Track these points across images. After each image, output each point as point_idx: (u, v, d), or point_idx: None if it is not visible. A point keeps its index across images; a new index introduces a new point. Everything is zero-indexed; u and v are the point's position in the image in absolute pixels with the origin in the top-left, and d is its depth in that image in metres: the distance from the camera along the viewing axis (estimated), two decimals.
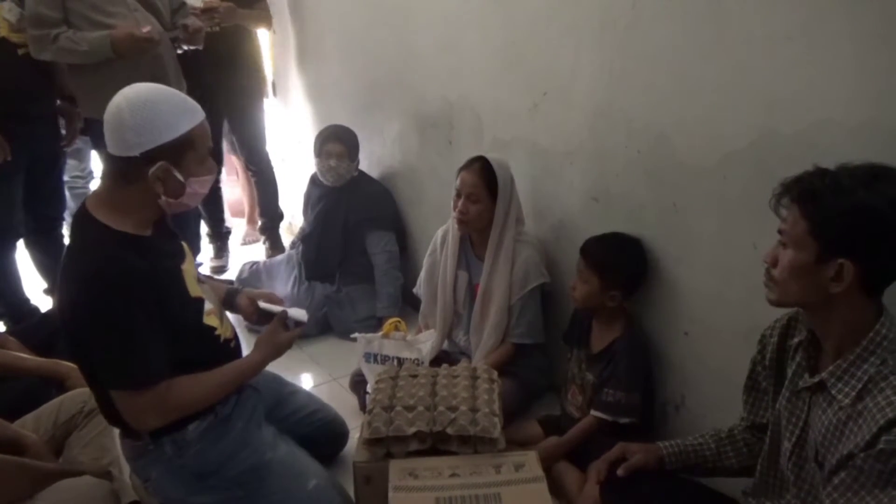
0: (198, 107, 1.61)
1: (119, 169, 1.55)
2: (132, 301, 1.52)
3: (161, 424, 1.64)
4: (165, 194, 1.58)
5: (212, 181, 1.69)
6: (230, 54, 3.44)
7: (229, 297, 1.96)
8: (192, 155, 1.58)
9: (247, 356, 1.81)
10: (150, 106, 1.51)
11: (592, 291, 2.01)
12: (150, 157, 1.52)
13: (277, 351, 1.81)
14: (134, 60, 2.74)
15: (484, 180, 2.25)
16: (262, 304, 1.92)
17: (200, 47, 3.07)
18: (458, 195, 2.30)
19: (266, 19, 3.68)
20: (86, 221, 1.57)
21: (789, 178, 1.26)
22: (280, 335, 1.81)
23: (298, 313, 1.87)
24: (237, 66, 3.51)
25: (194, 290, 1.70)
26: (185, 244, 1.80)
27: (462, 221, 2.31)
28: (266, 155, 3.84)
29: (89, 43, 2.67)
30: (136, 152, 1.51)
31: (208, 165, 1.65)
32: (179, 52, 3.09)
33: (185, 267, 1.72)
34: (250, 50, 3.68)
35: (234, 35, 3.49)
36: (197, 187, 1.63)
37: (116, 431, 1.84)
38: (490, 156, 2.30)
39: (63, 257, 1.60)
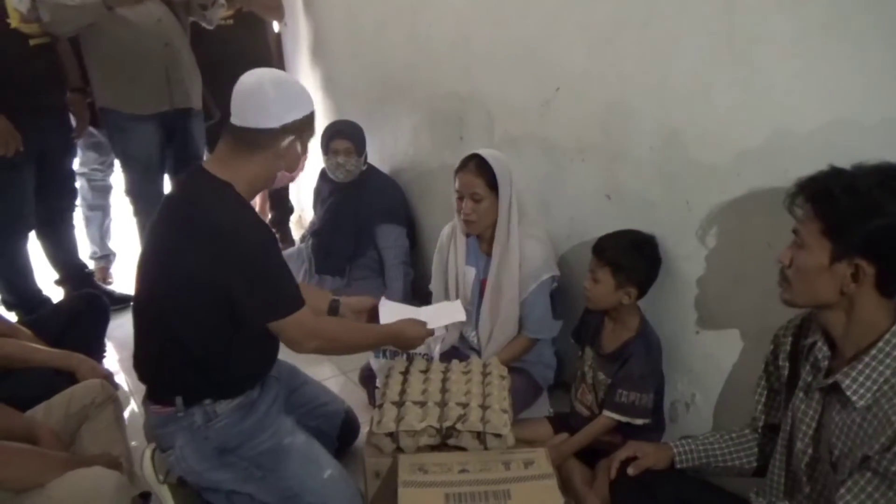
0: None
1: (250, 139, 1.66)
2: (273, 239, 1.73)
3: (323, 349, 1.80)
4: (286, 167, 1.72)
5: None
6: (244, 49, 3.45)
7: (333, 309, 2.10)
8: (309, 133, 1.75)
9: (384, 325, 1.98)
10: (289, 83, 1.70)
11: (607, 291, 1.97)
12: (287, 129, 1.66)
13: (408, 343, 1.99)
14: (128, 6, 2.81)
15: (483, 178, 2.21)
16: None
17: (214, 20, 3.12)
18: (460, 197, 2.26)
19: (279, 10, 3.68)
20: (210, 180, 1.67)
21: (804, 178, 1.25)
22: (418, 340, 1.99)
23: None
24: (251, 61, 3.51)
25: None
26: None
27: (469, 223, 2.27)
28: None
29: None
30: (276, 124, 1.64)
31: (309, 147, 1.79)
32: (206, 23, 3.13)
33: None
34: (264, 45, 3.68)
35: (248, 30, 3.50)
36: (304, 165, 1.78)
37: (129, 421, 1.86)
38: (483, 151, 2.26)
39: (184, 214, 1.67)
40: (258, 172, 1.70)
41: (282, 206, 4.00)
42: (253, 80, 1.67)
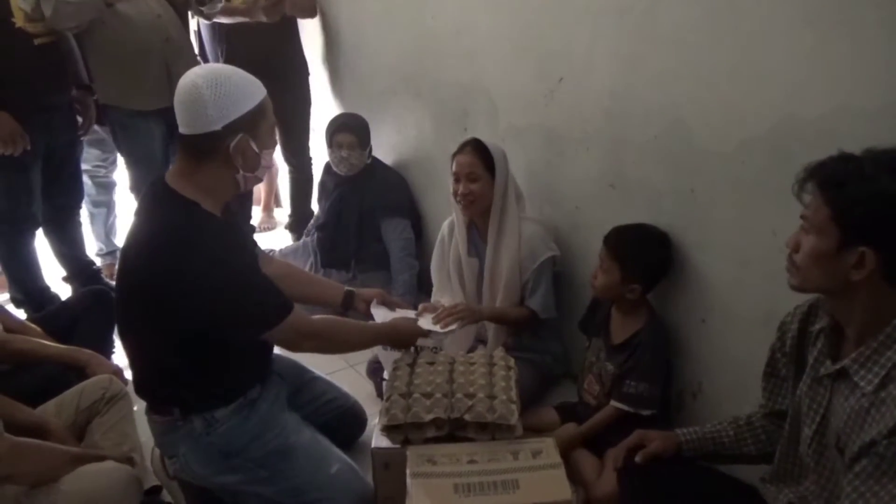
0: (257, 80, 1.66)
1: (198, 147, 1.59)
2: (245, 253, 1.73)
3: (319, 348, 1.82)
4: (243, 168, 1.64)
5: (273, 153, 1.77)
6: (279, 61, 3.39)
7: (347, 300, 2.14)
8: (264, 125, 1.65)
9: (378, 323, 2.01)
10: (225, 80, 1.57)
11: (613, 282, 1.99)
12: (231, 129, 1.57)
13: (402, 340, 2.01)
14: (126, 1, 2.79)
15: (480, 158, 2.28)
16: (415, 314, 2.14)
17: (215, 13, 3.11)
18: (457, 179, 2.30)
19: (313, 9, 3.59)
20: (173, 201, 1.61)
21: (813, 163, 1.24)
22: (412, 337, 2.01)
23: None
24: (286, 73, 3.47)
25: None
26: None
27: (467, 202, 2.30)
28: (307, 152, 3.79)
29: None
30: (217, 126, 1.56)
31: (274, 137, 1.73)
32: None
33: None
34: (295, 50, 3.61)
35: (279, 39, 3.44)
36: (267, 159, 1.69)
37: (139, 416, 1.87)
38: (481, 138, 2.33)
39: (158, 237, 1.59)
40: (219, 180, 1.64)
41: (301, 211, 3.94)
42: (188, 83, 1.57)
